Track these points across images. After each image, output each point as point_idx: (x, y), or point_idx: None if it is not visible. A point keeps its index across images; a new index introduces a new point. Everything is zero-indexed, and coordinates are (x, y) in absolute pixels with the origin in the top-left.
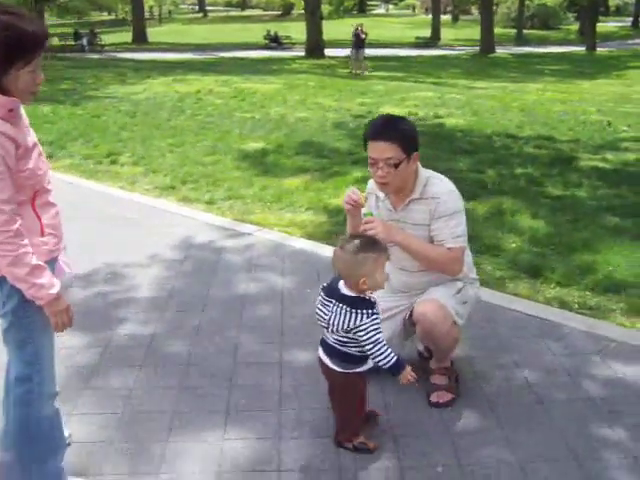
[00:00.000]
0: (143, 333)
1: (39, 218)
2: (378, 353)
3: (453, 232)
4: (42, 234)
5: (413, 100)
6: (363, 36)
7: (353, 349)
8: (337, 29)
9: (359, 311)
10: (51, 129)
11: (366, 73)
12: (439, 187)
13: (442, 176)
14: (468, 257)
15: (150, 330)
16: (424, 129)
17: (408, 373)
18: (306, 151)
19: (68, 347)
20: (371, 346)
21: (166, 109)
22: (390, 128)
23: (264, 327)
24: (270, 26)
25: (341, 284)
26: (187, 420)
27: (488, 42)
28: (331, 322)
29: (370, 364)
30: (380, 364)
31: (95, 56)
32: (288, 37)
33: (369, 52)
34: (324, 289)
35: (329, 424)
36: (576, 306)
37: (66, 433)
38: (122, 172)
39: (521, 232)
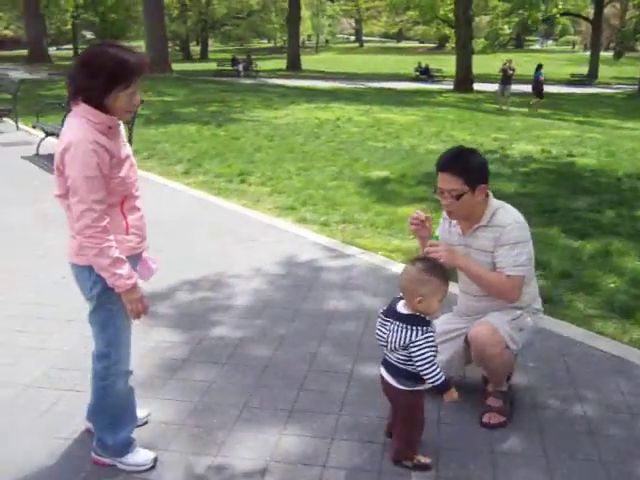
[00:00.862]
0: (232, 336)
1: (125, 219)
2: (428, 371)
3: (515, 260)
4: (127, 233)
5: (549, 138)
6: (511, 72)
7: (411, 367)
8: (491, 63)
9: (414, 327)
10: (192, 147)
11: (511, 109)
12: (505, 216)
13: (511, 207)
14: (533, 287)
15: (239, 334)
16: (553, 167)
17: (452, 392)
18: (428, 182)
19: (164, 341)
20: (422, 362)
21: (303, 134)
22: (457, 161)
23: (344, 341)
24: (424, 58)
25: (399, 305)
26: (254, 414)
27: None
28: (389, 340)
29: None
30: (429, 381)
31: (248, 81)
32: (439, 70)
33: (517, 88)
34: (383, 312)
35: (381, 431)
36: None
37: (145, 413)
38: (249, 191)
39: (623, 273)
